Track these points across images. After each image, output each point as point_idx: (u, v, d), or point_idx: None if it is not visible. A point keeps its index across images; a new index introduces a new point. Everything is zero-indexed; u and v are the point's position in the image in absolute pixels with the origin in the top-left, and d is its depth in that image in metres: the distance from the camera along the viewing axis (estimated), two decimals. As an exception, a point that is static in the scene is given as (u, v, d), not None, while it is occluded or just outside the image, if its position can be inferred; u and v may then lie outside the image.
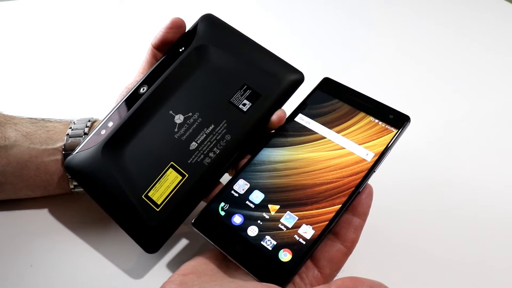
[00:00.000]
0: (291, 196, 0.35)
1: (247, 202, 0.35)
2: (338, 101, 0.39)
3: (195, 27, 0.42)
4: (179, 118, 0.39)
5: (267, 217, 0.34)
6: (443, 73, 0.62)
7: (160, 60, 0.41)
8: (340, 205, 0.33)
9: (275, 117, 0.39)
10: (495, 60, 0.64)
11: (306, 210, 0.34)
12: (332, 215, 0.33)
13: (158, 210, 0.36)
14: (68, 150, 0.40)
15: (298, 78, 0.40)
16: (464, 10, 0.74)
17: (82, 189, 0.40)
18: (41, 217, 0.42)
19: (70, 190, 0.41)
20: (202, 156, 0.37)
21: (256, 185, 0.36)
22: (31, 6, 0.69)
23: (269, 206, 0.35)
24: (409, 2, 0.75)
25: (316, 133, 0.38)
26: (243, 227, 0.34)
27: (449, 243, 0.42)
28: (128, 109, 0.39)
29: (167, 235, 0.36)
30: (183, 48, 0.41)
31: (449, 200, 0.46)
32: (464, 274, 0.40)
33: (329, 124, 0.38)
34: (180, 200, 0.36)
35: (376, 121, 0.37)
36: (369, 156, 0.36)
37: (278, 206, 0.34)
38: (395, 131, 0.36)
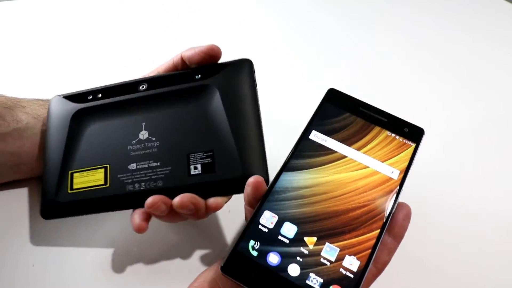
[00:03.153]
0: (326, 225, 0.32)
1: (280, 237, 0.32)
2: (350, 114, 0.37)
3: (225, 66, 0.39)
4: (143, 135, 0.38)
5: (306, 252, 0.31)
6: (443, 73, 0.62)
7: (175, 72, 0.40)
8: (379, 230, 0.32)
9: (212, 203, 0.36)
10: (495, 60, 0.65)
11: (346, 240, 0.32)
12: (373, 242, 0.32)
13: (68, 191, 0.38)
14: None
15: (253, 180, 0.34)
16: (464, 10, 0.74)
17: None
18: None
19: None
20: (129, 180, 0.37)
21: (285, 216, 0.32)
22: (31, 6, 0.66)
23: (305, 239, 0.32)
24: (409, 3, 0.74)
25: (336, 151, 0.35)
26: (282, 266, 0.30)
27: (452, 249, 0.44)
28: (120, 94, 0.40)
29: (62, 215, 0.38)
30: (199, 76, 0.39)
31: (450, 201, 0.47)
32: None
33: (347, 141, 0.36)
34: (88, 200, 0.37)
35: (393, 135, 0.36)
36: (395, 174, 0.34)
37: (315, 238, 0.32)
38: (413, 145, 0.36)
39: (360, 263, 0.31)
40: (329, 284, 0.30)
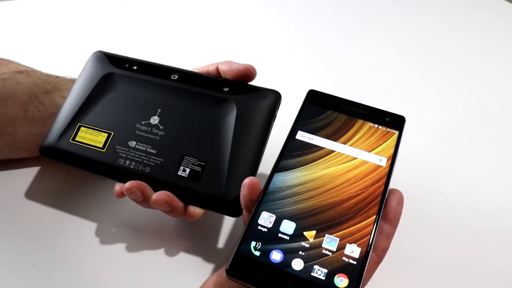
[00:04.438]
0: (324, 218, 0.33)
1: (280, 234, 0.32)
2: (332, 112, 0.38)
3: (254, 89, 0.41)
4: (154, 119, 0.40)
5: (307, 245, 0.32)
6: (443, 73, 0.63)
7: (208, 76, 0.42)
8: (375, 216, 0.33)
9: (190, 211, 0.37)
10: (495, 60, 0.66)
11: (344, 229, 0.32)
12: (371, 227, 0.32)
13: (70, 141, 0.40)
14: None
15: (222, 203, 0.37)
16: (464, 10, 0.74)
17: None
18: (43, 217, 0.42)
19: None
20: (123, 155, 0.39)
21: (283, 214, 0.33)
22: (31, 6, 0.66)
23: (305, 233, 0.32)
24: (408, 3, 0.75)
25: (323, 148, 0.36)
26: (286, 262, 0.31)
27: (443, 243, 0.44)
28: (152, 74, 0.42)
29: (55, 158, 0.40)
30: (227, 89, 0.40)
31: (448, 201, 0.48)
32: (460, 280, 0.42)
33: (333, 137, 0.37)
34: (82, 155, 0.39)
35: (376, 125, 0.38)
36: (383, 162, 0.35)
37: (314, 232, 0.32)
38: (396, 132, 0.37)
39: (361, 250, 0.31)
40: (334, 273, 0.30)
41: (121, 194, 0.37)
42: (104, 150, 0.39)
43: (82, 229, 0.42)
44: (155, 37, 0.64)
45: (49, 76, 0.45)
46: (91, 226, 0.42)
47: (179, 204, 0.37)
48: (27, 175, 0.45)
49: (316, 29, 0.68)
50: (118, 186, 0.38)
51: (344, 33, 0.68)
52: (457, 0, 0.77)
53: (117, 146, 0.39)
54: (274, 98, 0.40)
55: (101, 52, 0.45)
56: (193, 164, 0.38)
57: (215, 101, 0.40)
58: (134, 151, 0.39)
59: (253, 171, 0.38)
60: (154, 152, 0.39)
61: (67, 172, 0.45)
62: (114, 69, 0.43)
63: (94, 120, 0.41)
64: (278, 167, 0.35)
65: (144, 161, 0.39)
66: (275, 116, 0.40)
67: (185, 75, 0.42)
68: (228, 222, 0.44)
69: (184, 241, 0.42)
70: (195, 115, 0.40)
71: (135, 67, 0.43)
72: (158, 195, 0.36)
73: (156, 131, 0.40)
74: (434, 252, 0.43)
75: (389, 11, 0.74)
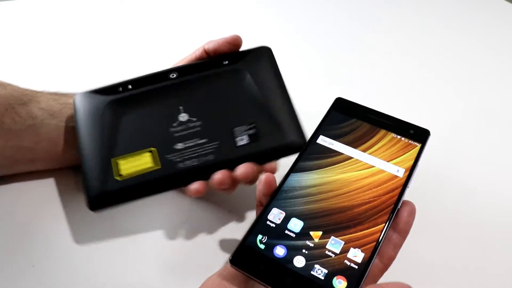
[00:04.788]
0: (332, 220, 0.33)
1: (287, 231, 0.33)
2: (356, 120, 0.39)
3: (248, 52, 0.43)
4: (183, 117, 0.41)
5: (312, 245, 0.32)
6: (443, 73, 0.63)
7: (203, 60, 0.43)
8: (384, 224, 0.33)
9: (268, 167, 0.40)
10: (495, 60, 0.65)
11: (351, 233, 0.33)
12: (378, 235, 0.32)
13: (117, 178, 0.38)
14: None
15: (298, 144, 0.40)
16: (465, 10, 0.75)
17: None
18: (44, 217, 0.42)
19: None
20: (180, 159, 0.39)
21: (292, 212, 0.34)
22: (31, 6, 0.68)
23: (311, 233, 0.33)
24: (409, 4, 0.76)
25: (342, 153, 0.37)
26: (288, 258, 0.32)
27: (448, 242, 0.43)
28: (151, 83, 0.42)
29: (112, 203, 0.38)
30: (226, 62, 0.42)
31: (451, 200, 0.47)
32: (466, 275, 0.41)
33: (353, 144, 0.37)
34: (141, 183, 0.38)
35: (399, 137, 0.37)
36: (400, 172, 0.35)
37: (320, 232, 0.33)
38: (419, 145, 0.37)
39: (364, 255, 0.31)
40: (334, 274, 0.31)
41: (202, 192, 0.38)
42: (159, 166, 0.39)
43: (82, 229, 0.42)
44: (155, 37, 0.64)
45: (26, 89, 0.44)
46: (91, 226, 0.42)
47: (259, 167, 0.39)
48: (27, 175, 0.45)
49: (315, 29, 0.69)
50: (195, 186, 0.38)
51: (344, 33, 0.69)
52: (457, 0, 0.76)
53: (167, 156, 0.39)
54: (268, 50, 0.44)
55: (82, 93, 0.43)
56: (245, 130, 0.40)
57: (226, 75, 0.42)
58: (186, 150, 0.39)
59: (292, 109, 0.42)
60: (205, 140, 0.40)
61: (67, 172, 0.45)
62: (112, 97, 0.42)
63: (125, 148, 0.40)
64: (295, 168, 0.37)
65: (202, 152, 0.39)
66: (277, 63, 0.44)
67: (182, 69, 0.43)
68: (229, 222, 0.44)
69: (186, 240, 0.42)
70: (215, 94, 0.42)
71: (129, 86, 0.42)
72: (245, 168, 0.38)
73: (192, 124, 0.41)
74: (434, 253, 0.43)
75: (389, 11, 0.74)
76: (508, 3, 0.76)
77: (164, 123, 0.40)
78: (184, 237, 0.43)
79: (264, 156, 0.40)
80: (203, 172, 0.39)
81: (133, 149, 0.39)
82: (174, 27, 0.66)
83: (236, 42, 0.43)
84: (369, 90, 0.58)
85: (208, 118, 0.41)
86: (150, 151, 0.39)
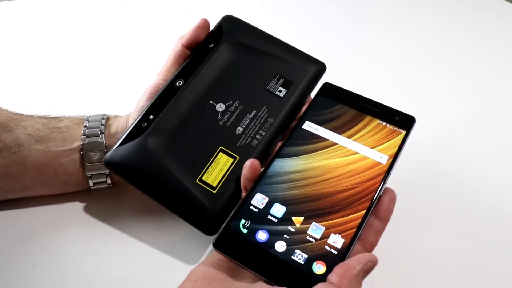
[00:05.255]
0: (314, 206, 0.34)
1: (269, 216, 0.34)
2: (343, 106, 0.39)
3: (219, 26, 0.44)
4: (220, 107, 0.41)
5: (293, 230, 0.33)
6: (443, 72, 0.62)
7: (192, 56, 0.43)
8: (365, 211, 0.33)
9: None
10: (495, 60, 0.65)
11: (332, 219, 0.33)
12: (358, 221, 0.33)
13: (215, 192, 0.38)
14: (86, 150, 0.41)
15: (321, 67, 0.44)
16: (464, 10, 0.74)
17: (102, 186, 0.42)
18: (43, 217, 0.42)
19: (88, 187, 0.42)
20: (249, 138, 0.40)
21: (275, 198, 0.34)
22: (31, 6, 0.68)
23: (293, 218, 0.33)
24: (409, 2, 0.75)
25: (327, 139, 0.37)
26: (270, 243, 0.32)
27: (449, 241, 0.44)
28: (168, 101, 0.40)
29: (225, 215, 0.36)
30: (212, 45, 0.43)
31: (452, 197, 0.47)
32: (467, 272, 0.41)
33: (338, 130, 0.38)
34: (235, 180, 0.38)
35: (384, 123, 0.38)
36: (384, 159, 0.36)
37: (302, 218, 0.33)
38: (403, 132, 0.37)
39: (344, 241, 0.32)
40: (314, 259, 0.31)
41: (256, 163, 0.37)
42: (238, 158, 0.39)
43: (81, 228, 0.42)
44: (155, 37, 0.64)
45: (14, 114, 0.42)
46: (90, 225, 0.42)
47: None
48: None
49: (315, 29, 0.69)
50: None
51: (344, 32, 0.69)
52: (457, 0, 0.75)
53: (237, 145, 0.39)
54: (230, 17, 0.46)
55: (112, 153, 0.39)
56: (276, 84, 0.43)
57: (221, 55, 0.43)
58: (248, 129, 0.40)
59: (292, 46, 0.45)
60: (254, 112, 0.41)
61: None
62: (144, 138, 0.39)
63: (198, 166, 0.38)
64: (280, 153, 0.37)
65: (261, 121, 0.41)
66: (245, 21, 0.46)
67: (183, 72, 0.42)
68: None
69: (174, 231, 0.43)
70: (228, 74, 0.42)
71: (151, 117, 0.40)
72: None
73: (233, 107, 0.41)
74: (430, 250, 0.43)
75: (390, 12, 0.73)
76: (508, 3, 0.75)
77: (210, 123, 0.40)
78: (174, 227, 0.43)
79: (307, 90, 0.43)
80: (275, 134, 0.40)
81: (206, 161, 0.39)
82: (174, 27, 0.66)
83: (206, 24, 0.43)
84: (369, 90, 0.59)
85: (240, 95, 0.41)
86: (220, 150, 0.39)
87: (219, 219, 0.37)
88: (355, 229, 0.32)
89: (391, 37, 0.68)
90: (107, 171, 0.41)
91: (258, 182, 0.35)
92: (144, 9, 0.70)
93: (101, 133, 0.41)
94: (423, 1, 0.75)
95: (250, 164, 0.36)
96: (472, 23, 0.71)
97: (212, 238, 0.33)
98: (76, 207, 0.43)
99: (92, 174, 0.41)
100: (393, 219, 0.43)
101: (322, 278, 0.30)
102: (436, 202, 0.47)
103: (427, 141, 0.52)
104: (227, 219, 0.34)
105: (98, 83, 0.58)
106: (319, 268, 0.31)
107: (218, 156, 0.39)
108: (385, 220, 0.34)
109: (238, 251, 0.32)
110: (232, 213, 0.34)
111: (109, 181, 0.42)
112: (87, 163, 0.41)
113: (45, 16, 0.67)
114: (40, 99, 0.54)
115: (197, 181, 0.38)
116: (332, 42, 0.67)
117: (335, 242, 0.32)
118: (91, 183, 0.42)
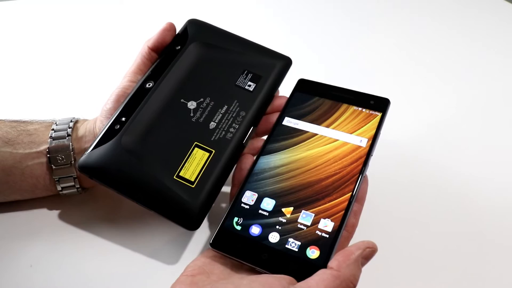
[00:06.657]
0: (302, 196, 0.35)
1: (260, 211, 0.35)
2: (319, 98, 0.41)
3: (185, 29, 0.45)
4: (192, 104, 0.41)
5: (284, 220, 0.34)
6: (443, 72, 0.63)
7: (160, 58, 0.43)
8: (351, 193, 0.34)
9: (276, 102, 0.43)
10: (495, 60, 0.65)
11: (320, 205, 0.34)
12: (346, 204, 0.34)
13: (193, 186, 0.37)
14: (52, 152, 0.40)
15: (287, 61, 0.45)
16: (464, 10, 0.74)
17: (70, 191, 0.41)
18: (41, 217, 0.42)
19: (57, 192, 0.41)
20: (223, 132, 0.40)
21: (264, 193, 0.36)
22: (31, 6, 0.68)
23: (283, 209, 0.35)
24: (409, 3, 0.76)
25: (307, 131, 0.39)
26: (263, 236, 0.34)
27: (442, 237, 0.43)
28: (139, 103, 0.40)
29: (206, 209, 0.37)
30: (179, 47, 0.44)
31: (445, 194, 0.47)
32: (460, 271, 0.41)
33: (317, 121, 0.39)
34: (212, 174, 0.38)
35: (360, 109, 0.39)
36: (363, 142, 0.37)
37: (292, 208, 0.35)
38: (379, 114, 0.38)
39: (334, 224, 0.33)
40: (307, 245, 0.33)
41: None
42: (214, 152, 0.39)
43: (80, 228, 0.42)
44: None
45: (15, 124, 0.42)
46: (89, 225, 0.42)
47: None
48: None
49: (315, 28, 0.69)
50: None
51: (343, 31, 0.69)
52: (457, 0, 0.75)
53: (212, 139, 0.40)
54: (195, 20, 0.46)
55: (85, 157, 0.38)
56: (245, 79, 0.43)
57: (189, 55, 0.43)
58: (221, 123, 0.40)
59: (253, 42, 0.46)
60: (226, 106, 0.41)
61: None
62: (118, 139, 0.39)
63: (174, 162, 0.38)
64: (263, 151, 0.38)
65: (233, 115, 0.41)
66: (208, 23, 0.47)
67: (151, 74, 0.42)
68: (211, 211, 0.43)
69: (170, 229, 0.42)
70: (197, 72, 0.43)
71: (123, 118, 0.40)
72: (280, 100, 0.43)
73: (204, 104, 0.41)
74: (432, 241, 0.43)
75: (389, 11, 0.74)
76: (508, 3, 0.75)
77: (183, 120, 0.40)
78: (166, 235, 0.43)
79: (275, 82, 0.44)
80: (250, 126, 0.41)
81: (182, 157, 0.39)
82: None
83: (172, 27, 0.44)
84: (369, 90, 0.59)
85: (211, 92, 0.42)
86: (196, 146, 0.39)
87: (201, 213, 0.37)
88: (343, 211, 0.34)
89: (390, 36, 0.69)
90: (74, 175, 0.41)
91: (246, 180, 0.37)
92: (144, 9, 0.70)
93: (68, 136, 0.40)
94: (422, 1, 0.75)
95: (238, 165, 0.38)
96: (472, 23, 0.71)
97: (209, 238, 0.34)
98: (76, 206, 0.43)
99: (59, 178, 0.40)
100: (388, 219, 0.44)
101: (317, 261, 0.32)
102: (428, 201, 0.47)
103: (426, 141, 0.52)
104: (222, 220, 0.35)
105: (97, 83, 0.57)
106: (313, 252, 0.32)
107: (194, 152, 0.39)
108: (361, 200, 0.36)
109: (235, 247, 0.33)
110: (226, 212, 0.35)
111: (77, 185, 0.41)
112: (54, 166, 0.40)
113: (45, 16, 0.68)
114: (37, 99, 0.55)
115: (175, 177, 0.37)
116: (325, 40, 0.67)
117: (326, 226, 0.33)
118: (59, 187, 0.41)
